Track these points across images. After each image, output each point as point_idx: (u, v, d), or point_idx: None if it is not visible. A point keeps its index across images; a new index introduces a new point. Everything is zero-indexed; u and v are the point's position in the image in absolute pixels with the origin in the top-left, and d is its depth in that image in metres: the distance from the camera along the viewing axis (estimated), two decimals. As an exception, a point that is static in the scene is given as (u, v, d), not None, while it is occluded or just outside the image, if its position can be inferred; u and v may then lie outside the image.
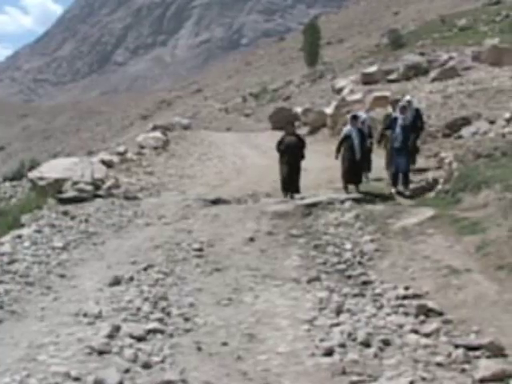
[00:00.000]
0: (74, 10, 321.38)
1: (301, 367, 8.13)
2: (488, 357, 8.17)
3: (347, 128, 19.81)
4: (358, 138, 19.43)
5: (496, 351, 8.26)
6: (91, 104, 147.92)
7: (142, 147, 31.90)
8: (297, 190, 19.06)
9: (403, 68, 42.73)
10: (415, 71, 41.95)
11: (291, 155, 19.35)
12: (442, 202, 16.11)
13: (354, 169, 19.25)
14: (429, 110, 26.84)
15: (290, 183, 19.17)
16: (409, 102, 21.15)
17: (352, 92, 39.77)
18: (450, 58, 44.25)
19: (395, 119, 19.12)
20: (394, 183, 18.93)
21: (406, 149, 18.94)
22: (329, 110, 35.36)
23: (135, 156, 29.40)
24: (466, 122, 24.09)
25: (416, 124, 20.76)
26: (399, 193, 18.55)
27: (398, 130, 18.90)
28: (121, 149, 30.38)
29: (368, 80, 43.44)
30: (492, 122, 23.09)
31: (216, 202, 18.70)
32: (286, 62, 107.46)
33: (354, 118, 20.06)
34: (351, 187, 19.12)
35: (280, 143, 19.78)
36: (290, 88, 74.35)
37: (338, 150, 19.66)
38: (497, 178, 15.12)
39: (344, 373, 7.86)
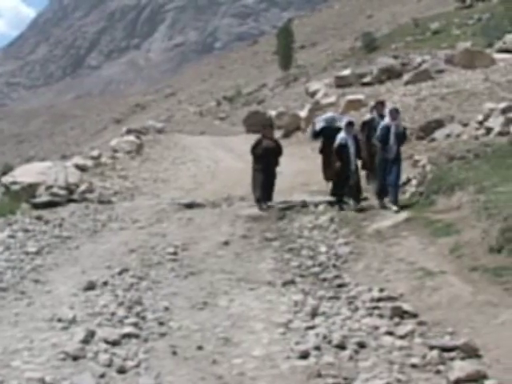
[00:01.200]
0: (48, 14, 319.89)
1: (276, 370, 8.12)
2: (462, 358, 8.20)
3: (342, 136, 17.55)
4: (354, 147, 17.47)
5: (470, 352, 8.30)
6: (65, 108, 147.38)
7: (116, 151, 31.83)
8: (269, 198, 18.18)
9: (377, 71, 43.03)
10: (389, 74, 42.24)
11: (268, 161, 18.34)
12: (416, 205, 16.18)
13: (355, 182, 17.38)
14: (402, 113, 26.93)
15: (264, 191, 18.11)
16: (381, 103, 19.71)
17: (326, 95, 39.94)
18: (423, 61, 44.64)
19: (388, 127, 16.58)
20: (381, 197, 16.85)
21: (400, 158, 16.90)
22: (303, 114, 35.50)
23: (109, 160, 29.33)
24: (440, 124, 24.23)
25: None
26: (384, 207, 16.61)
27: (392, 139, 16.54)
28: (95, 153, 30.29)
29: (342, 83, 43.65)
30: (465, 125, 23.25)
31: (190, 205, 18.67)
32: (260, 65, 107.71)
33: (350, 124, 17.82)
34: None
35: (256, 146, 18.62)
36: (263, 91, 74.64)
37: (340, 160, 17.52)
38: (470, 180, 15.21)
39: (319, 375, 7.86)
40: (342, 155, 17.42)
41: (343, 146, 17.44)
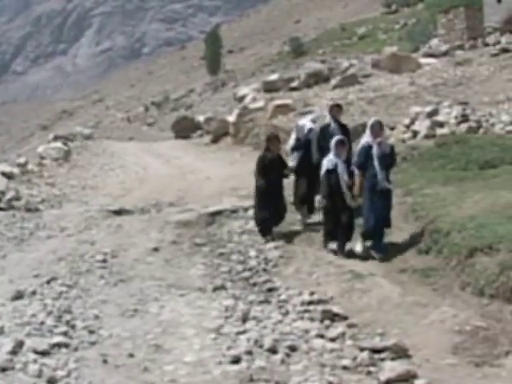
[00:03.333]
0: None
1: (208, 376, 8.11)
2: (393, 358, 8.31)
3: (330, 159, 13.33)
4: (347, 173, 13.21)
5: (400, 352, 8.42)
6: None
7: (43, 158, 31.36)
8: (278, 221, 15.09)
9: (304, 76, 43.23)
10: (316, 79, 42.50)
11: (275, 191, 15.00)
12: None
13: (348, 220, 13.18)
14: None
15: (268, 222, 14.94)
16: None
17: (254, 100, 39.96)
18: (351, 66, 45.20)
19: (367, 149, 12.87)
20: (378, 246, 12.73)
21: (390, 188, 13.06)
22: (231, 118, 35.43)
23: (36, 167, 28.88)
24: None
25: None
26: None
27: (375, 162, 12.70)
28: (21, 160, 29.77)
29: (270, 88, 43.73)
30: (392, 128, 23.49)
31: (119, 212, 18.49)
32: (188, 70, 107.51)
33: (342, 143, 13.41)
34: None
35: (263, 170, 14.90)
36: (192, 97, 74.61)
37: (328, 191, 13.26)
38: (397, 183, 15.38)
39: (252, 380, 7.88)
40: (330, 185, 13.27)
41: (331, 172, 13.26)
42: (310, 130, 15.83)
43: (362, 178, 12.91)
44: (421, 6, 68.62)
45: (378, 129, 12.91)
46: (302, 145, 15.74)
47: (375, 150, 12.69)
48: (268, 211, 14.80)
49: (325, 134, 15.23)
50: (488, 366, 8.12)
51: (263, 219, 14.94)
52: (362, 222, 13.03)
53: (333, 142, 13.50)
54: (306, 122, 16.22)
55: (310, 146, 15.66)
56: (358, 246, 12.89)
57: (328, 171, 13.22)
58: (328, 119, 15.99)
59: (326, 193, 13.27)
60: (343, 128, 15.77)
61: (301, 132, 15.89)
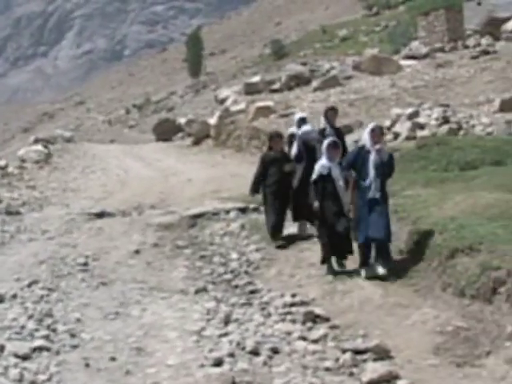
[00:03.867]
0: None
1: (191, 379, 8.10)
2: (375, 359, 8.34)
3: (323, 163, 12.11)
4: (343, 178, 12.01)
5: (382, 353, 8.44)
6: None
7: (24, 161, 31.25)
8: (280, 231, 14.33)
9: (286, 78, 43.34)
10: (297, 81, 42.62)
11: (284, 191, 14.35)
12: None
13: (344, 232, 11.90)
14: (312, 120, 27.21)
15: (280, 225, 14.32)
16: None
17: (235, 102, 39.99)
18: (332, 68, 45.36)
19: (364, 152, 11.70)
20: (366, 260, 11.61)
21: (386, 200, 11.83)
22: (212, 121, 35.47)
23: (16, 170, 28.77)
24: (349, 130, 24.51)
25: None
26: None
27: (371, 170, 11.53)
28: (1, 163, 29.66)
29: (251, 90, 43.81)
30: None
31: (100, 215, 18.41)
32: (169, 72, 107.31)
33: (335, 145, 12.27)
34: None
35: (266, 169, 14.35)
36: (173, 99, 74.50)
37: (321, 198, 12.01)
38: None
39: (234, 382, 7.87)
40: (324, 191, 12.06)
41: (325, 178, 12.04)
42: (314, 138, 14.80)
43: (353, 182, 11.88)
44: (402, 8, 68.88)
45: (378, 134, 11.76)
46: (305, 155, 14.68)
47: (373, 157, 11.52)
48: (276, 214, 14.28)
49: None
50: (469, 366, 8.15)
51: (273, 223, 14.29)
52: (358, 235, 11.76)
53: (325, 144, 12.36)
54: (309, 128, 15.13)
55: (315, 154, 14.22)
56: (379, 269, 11.41)
57: (321, 176, 11.99)
58: (323, 123, 15.54)
59: (319, 200, 12.03)
60: (338, 132, 15.43)
61: (305, 137, 14.88)
